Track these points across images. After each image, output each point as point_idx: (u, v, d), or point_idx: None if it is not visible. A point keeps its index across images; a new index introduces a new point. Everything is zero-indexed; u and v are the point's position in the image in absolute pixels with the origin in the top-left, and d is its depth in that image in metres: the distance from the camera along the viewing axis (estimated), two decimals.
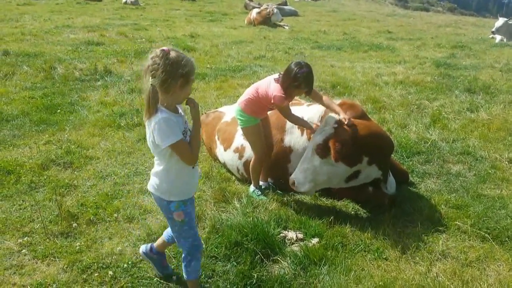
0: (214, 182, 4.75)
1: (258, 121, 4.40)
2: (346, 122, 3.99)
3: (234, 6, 26.94)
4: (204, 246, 3.20)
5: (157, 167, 2.82)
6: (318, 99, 4.32)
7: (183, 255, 2.99)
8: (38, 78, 8.54)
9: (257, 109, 4.33)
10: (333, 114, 4.13)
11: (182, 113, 2.78)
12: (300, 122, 4.31)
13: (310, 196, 4.44)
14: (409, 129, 6.33)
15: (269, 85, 4.22)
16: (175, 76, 2.57)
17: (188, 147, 2.70)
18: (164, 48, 2.62)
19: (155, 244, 3.31)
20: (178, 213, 2.83)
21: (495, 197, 4.53)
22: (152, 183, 2.84)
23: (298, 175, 4.12)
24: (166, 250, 3.41)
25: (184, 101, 2.78)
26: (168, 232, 3.17)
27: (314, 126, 4.21)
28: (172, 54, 2.59)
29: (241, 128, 4.47)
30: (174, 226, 2.91)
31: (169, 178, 2.78)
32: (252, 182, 4.61)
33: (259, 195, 4.50)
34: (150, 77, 2.57)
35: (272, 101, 4.12)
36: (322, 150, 3.99)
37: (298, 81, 4.00)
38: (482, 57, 11.95)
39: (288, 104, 4.22)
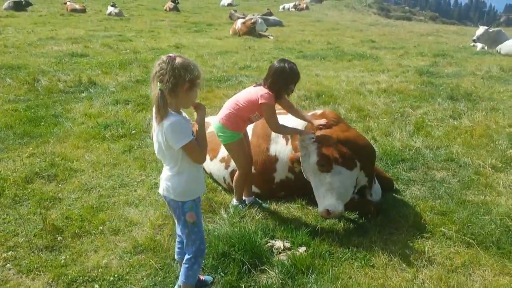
0: None
1: (241, 136, 4.26)
2: (321, 124, 4.09)
3: (219, 16, 27.05)
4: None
5: (169, 171, 2.90)
6: (289, 108, 4.33)
7: (187, 257, 3.04)
8: (22, 91, 8.45)
9: (238, 122, 4.18)
10: (305, 135, 4.14)
11: (186, 116, 2.90)
12: (287, 131, 4.28)
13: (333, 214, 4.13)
14: (393, 137, 6.40)
15: (249, 91, 4.18)
16: (182, 80, 2.70)
17: (196, 147, 2.83)
18: (171, 54, 2.75)
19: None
20: (190, 214, 2.94)
21: (479, 203, 4.59)
22: (165, 186, 2.93)
23: (326, 202, 3.89)
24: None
25: (190, 106, 2.91)
26: (181, 272, 3.12)
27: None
28: (178, 60, 2.72)
29: (224, 145, 4.32)
30: (185, 228, 2.98)
31: (183, 180, 2.88)
32: (235, 196, 4.51)
33: (242, 208, 4.43)
34: (158, 83, 2.69)
35: (260, 102, 4.01)
36: (325, 165, 3.93)
37: (294, 75, 4.03)
38: (464, 65, 12.15)
39: (275, 106, 4.13)
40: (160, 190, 3.00)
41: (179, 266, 3.31)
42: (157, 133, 2.79)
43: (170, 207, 3.04)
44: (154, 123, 2.82)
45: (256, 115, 4.19)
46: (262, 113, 4.13)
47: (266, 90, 4.04)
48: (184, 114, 2.89)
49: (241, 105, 4.14)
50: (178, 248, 3.27)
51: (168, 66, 2.68)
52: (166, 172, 2.93)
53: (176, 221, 3.07)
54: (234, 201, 4.52)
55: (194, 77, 2.75)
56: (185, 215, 2.94)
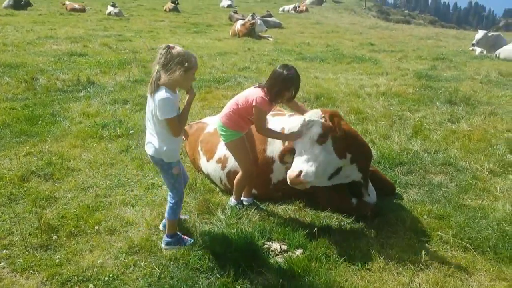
0: (198, 194, 4.73)
1: (242, 134, 4.28)
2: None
3: (219, 17, 27.04)
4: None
5: (158, 136, 3.56)
6: (294, 106, 4.34)
7: (173, 201, 3.76)
8: (20, 89, 8.43)
9: (238, 121, 4.20)
10: (313, 111, 4.17)
11: (178, 95, 3.60)
12: (273, 135, 4.27)
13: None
14: (391, 140, 6.39)
15: (248, 93, 4.19)
16: (173, 64, 3.37)
17: (176, 124, 3.48)
18: (170, 44, 3.44)
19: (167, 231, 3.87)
20: (176, 168, 3.68)
21: (476, 207, 4.58)
22: (154, 148, 3.61)
23: (302, 166, 3.87)
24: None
25: (186, 89, 3.62)
26: (167, 211, 3.83)
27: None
28: (175, 50, 3.40)
29: (225, 143, 4.36)
30: (171, 179, 3.72)
31: (167, 144, 3.57)
32: (234, 196, 4.52)
33: (240, 209, 4.41)
34: (157, 64, 3.43)
35: (253, 104, 4.02)
36: (322, 137, 3.95)
37: (290, 83, 3.99)
38: (463, 69, 12.15)
39: (267, 111, 4.16)
40: (149, 151, 3.66)
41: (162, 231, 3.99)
42: (151, 103, 3.48)
43: (157, 164, 3.76)
44: (148, 92, 3.53)
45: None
46: None
47: (262, 94, 4.05)
48: (177, 93, 3.58)
49: (240, 106, 4.18)
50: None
51: (164, 51, 3.39)
52: (155, 137, 3.58)
53: (161, 174, 3.89)
54: (232, 201, 4.50)
55: (188, 63, 3.38)
56: (172, 169, 3.66)
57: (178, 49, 3.41)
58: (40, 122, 6.73)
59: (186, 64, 3.38)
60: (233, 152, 4.40)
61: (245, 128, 4.34)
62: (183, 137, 3.83)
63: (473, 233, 4.07)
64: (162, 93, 3.39)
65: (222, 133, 4.28)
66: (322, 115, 4.06)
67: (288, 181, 3.89)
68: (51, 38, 14.59)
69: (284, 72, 4.00)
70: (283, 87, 4.01)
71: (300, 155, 3.97)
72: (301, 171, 3.83)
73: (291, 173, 3.85)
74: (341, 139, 4.02)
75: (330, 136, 3.97)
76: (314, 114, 4.10)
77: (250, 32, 17.95)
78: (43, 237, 3.85)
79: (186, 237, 3.90)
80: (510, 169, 5.49)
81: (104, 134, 6.27)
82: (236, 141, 4.27)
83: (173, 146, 3.61)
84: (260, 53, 13.94)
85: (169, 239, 3.81)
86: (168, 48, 3.40)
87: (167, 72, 3.39)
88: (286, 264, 3.58)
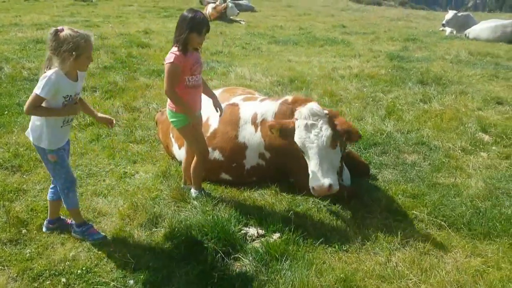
0: (172, 181, 4.64)
1: (194, 118, 4.03)
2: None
3: (189, 1, 26.56)
4: (77, 180, 3.84)
5: (33, 119, 3.46)
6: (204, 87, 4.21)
7: (59, 189, 3.56)
8: None
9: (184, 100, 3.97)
10: (310, 106, 4.05)
11: (79, 84, 3.49)
12: (177, 101, 3.94)
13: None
14: (365, 121, 6.41)
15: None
16: (60, 50, 3.18)
17: (36, 103, 3.24)
18: (59, 27, 3.23)
19: (49, 216, 3.77)
20: (51, 155, 3.45)
21: (450, 185, 4.64)
22: (30, 132, 3.48)
23: (331, 177, 3.87)
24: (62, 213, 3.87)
25: (84, 71, 3.48)
26: (49, 193, 3.74)
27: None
28: (62, 34, 3.19)
29: (177, 129, 4.15)
30: (49, 165, 3.53)
31: (41, 130, 3.40)
32: (193, 186, 4.36)
33: (203, 198, 4.25)
34: (47, 50, 3.28)
35: (165, 64, 3.87)
36: (334, 141, 3.95)
37: (200, 23, 3.80)
38: (433, 49, 12.27)
39: (180, 66, 3.84)
40: (27, 133, 3.54)
41: (49, 204, 3.79)
42: None
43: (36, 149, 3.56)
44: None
45: (189, 79, 3.95)
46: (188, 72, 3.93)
47: (174, 49, 3.86)
48: (79, 80, 3.45)
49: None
50: (51, 189, 3.73)
51: (51, 37, 3.20)
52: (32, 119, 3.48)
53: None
54: (193, 192, 4.36)
55: (71, 48, 3.16)
56: (47, 155, 3.45)
57: (66, 32, 3.18)
58: (6, 112, 6.49)
59: (74, 52, 3.18)
60: (186, 137, 4.21)
61: (194, 107, 4.07)
62: (62, 124, 3.48)
63: (447, 211, 4.12)
64: (47, 73, 3.22)
65: (173, 119, 4.06)
66: (326, 112, 4.03)
67: (316, 194, 3.95)
68: (16, 26, 14.08)
69: (190, 14, 3.82)
70: (193, 30, 3.79)
71: (319, 164, 3.90)
72: (331, 184, 3.84)
73: (321, 187, 3.85)
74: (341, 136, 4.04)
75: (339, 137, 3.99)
76: (312, 112, 3.99)
77: (222, 15, 17.72)
78: (12, 231, 3.72)
79: (97, 231, 3.72)
80: (481, 146, 5.58)
81: (73, 123, 6.04)
82: (189, 125, 4.04)
83: (46, 134, 3.39)
84: (232, 37, 13.78)
85: (76, 229, 3.69)
86: (56, 32, 3.20)
87: (58, 59, 3.21)
88: (263, 249, 3.54)
